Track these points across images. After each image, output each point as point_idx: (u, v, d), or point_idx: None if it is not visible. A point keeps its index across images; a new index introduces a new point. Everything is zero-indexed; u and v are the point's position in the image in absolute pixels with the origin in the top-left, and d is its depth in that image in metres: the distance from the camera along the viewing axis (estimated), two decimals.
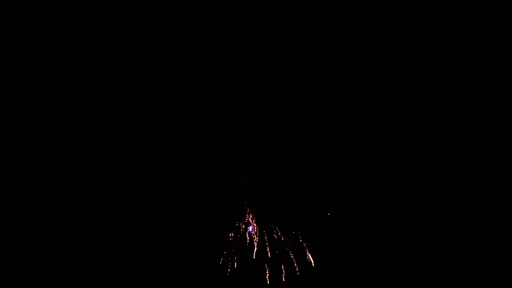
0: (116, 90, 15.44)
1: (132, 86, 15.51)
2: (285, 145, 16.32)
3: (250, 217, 16.44)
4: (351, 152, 15.62)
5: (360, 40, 15.47)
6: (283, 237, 15.02)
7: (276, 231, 15.19)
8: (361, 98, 15.69)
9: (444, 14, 14.65)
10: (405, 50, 15.22)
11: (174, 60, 15.82)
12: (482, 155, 14.26)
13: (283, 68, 15.78)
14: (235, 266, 13.66)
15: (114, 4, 15.14)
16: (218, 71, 15.72)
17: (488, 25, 14.23)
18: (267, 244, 14.56)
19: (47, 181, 14.40)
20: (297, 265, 13.92)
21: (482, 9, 14.24)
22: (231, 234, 15.02)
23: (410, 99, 15.20)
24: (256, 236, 15.25)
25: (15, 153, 14.23)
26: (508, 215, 13.18)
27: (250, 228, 17.59)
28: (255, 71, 15.78)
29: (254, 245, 15.04)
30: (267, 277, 13.36)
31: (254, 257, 13.87)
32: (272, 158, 16.68)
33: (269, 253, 14.11)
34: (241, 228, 15.51)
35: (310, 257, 13.83)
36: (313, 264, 13.49)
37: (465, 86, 14.63)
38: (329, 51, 15.74)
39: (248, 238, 15.09)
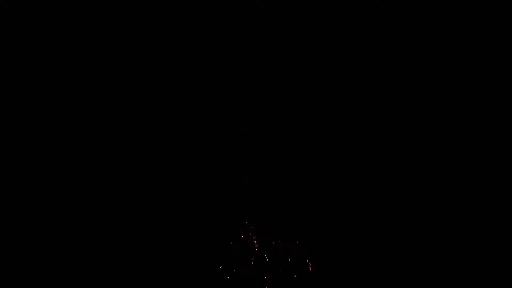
0: (115, 91, 14.91)
1: (132, 86, 14.93)
2: (285, 145, 15.36)
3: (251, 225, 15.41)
4: (352, 153, 14.88)
5: (360, 40, 14.99)
6: (281, 242, 14.27)
7: (276, 236, 14.41)
8: (361, 100, 14.95)
9: (445, 15, 14.17)
10: (405, 50, 14.71)
11: (172, 60, 15.19)
12: (482, 155, 13.58)
13: (283, 69, 15.21)
14: (234, 271, 13.18)
15: (114, 4, 14.81)
16: (218, 71, 15.15)
17: (489, 25, 13.67)
18: (265, 249, 13.96)
19: (45, 181, 13.58)
20: (295, 270, 13.61)
21: (482, 9, 13.71)
22: (231, 238, 14.40)
23: (411, 100, 14.52)
24: (256, 241, 14.72)
25: (15, 153, 13.53)
26: (508, 215, 12.59)
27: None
28: (255, 71, 15.21)
29: (252, 249, 14.33)
30: (264, 279, 12.95)
31: (252, 262, 13.56)
32: (272, 159, 15.67)
33: (267, 258, 13.79)
34: (240, 231, 14.56)
35: (309, 263, 13.58)
36: (310, 268, 13.38)
37: (466, 87, 14.06)
38: (329, 51, 15.21)
39: (248, 242, 14.60)
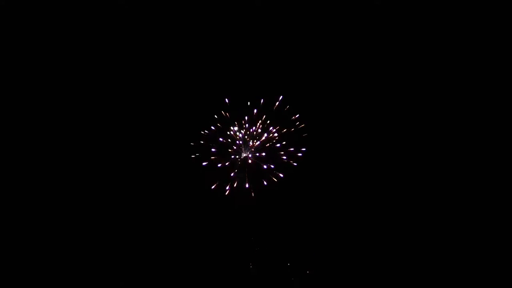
0: (116, 90, 17.75)
1: (133, 86, 17.96)
2: (283, 145, 18.97)
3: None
4: (353, 154, 18.62)
5: (359, 40, 17.09)
6: (280, 245, 16.26)
7: (275, 238, 16.72)
8: (360, 98, 18.19)
9: (444, 14, 15.71)
10: (404, 49, 16.72)
11: (174, 60, 17.51)
12: (482, 154, 16.01)
13: (283, 68, 18.30)
14: (233, 272, 14.80)
15: (114, 4, 15.77)
16: (218, 70, 18.12)
17: (488, 25, 15.19)
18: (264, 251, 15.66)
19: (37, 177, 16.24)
20: (294, 272, 15.59)
21: (482, 9, 15.00)
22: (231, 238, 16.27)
23: (410, 98, 17.30)
24: (255, 244, 16.01)
25: (14, 152, 16.05)
26: (508, 215, 14.64)
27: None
28: (255, 70, 18.36)
29: (253, 251, 15.96)
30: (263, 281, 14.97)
31: (251, 265, 15.06)
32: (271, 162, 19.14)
33: (266, 261, 15.47)
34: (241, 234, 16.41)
35: (307, 265, 15.64)
36: (308, 272, 15.24)
37: (465, 86, 16.33)
38: (329, 51, 17.62)
39: (249, 244, 16.11)
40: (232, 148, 21.29)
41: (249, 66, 20.87)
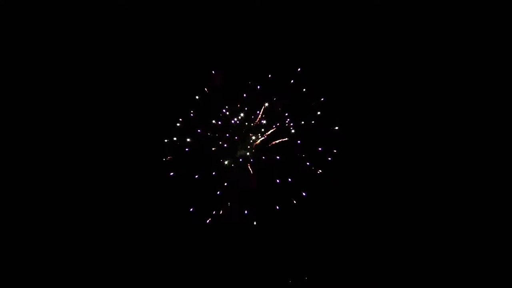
0: (116, 90, 17.55)
1: (133, 86, 17.61)
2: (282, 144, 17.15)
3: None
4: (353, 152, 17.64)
5: (359, 40, 17.93)
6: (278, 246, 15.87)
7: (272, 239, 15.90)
8: (359, 98, 18.15)
9: (444, 14, 17.10)
10: (404, 49, 17.72)
11: (174, 60, 17.44)
12: (482, 154, 16.78)
13: (283, 68, 17.52)
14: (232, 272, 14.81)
15: (114, 4, 17.07)
16: (218, 70, 17.20)
17: (488, 25, 16.66)
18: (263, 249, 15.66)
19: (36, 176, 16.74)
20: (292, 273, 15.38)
21: (482, 9, 16.51)
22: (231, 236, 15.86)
23: (410, 98, 17.90)
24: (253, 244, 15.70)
25: (14, 152, 16.63)
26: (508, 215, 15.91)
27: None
28: (255, 70, 17.28)
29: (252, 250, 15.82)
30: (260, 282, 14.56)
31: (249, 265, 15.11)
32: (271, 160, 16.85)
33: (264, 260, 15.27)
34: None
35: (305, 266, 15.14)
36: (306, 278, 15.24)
37: (465, 86, 17.33)
38: (329, 51, 18.07)
39: (249, 241, 15.67)
40: (221, 146, 15.81)
41: (248, 23, 18.13)
